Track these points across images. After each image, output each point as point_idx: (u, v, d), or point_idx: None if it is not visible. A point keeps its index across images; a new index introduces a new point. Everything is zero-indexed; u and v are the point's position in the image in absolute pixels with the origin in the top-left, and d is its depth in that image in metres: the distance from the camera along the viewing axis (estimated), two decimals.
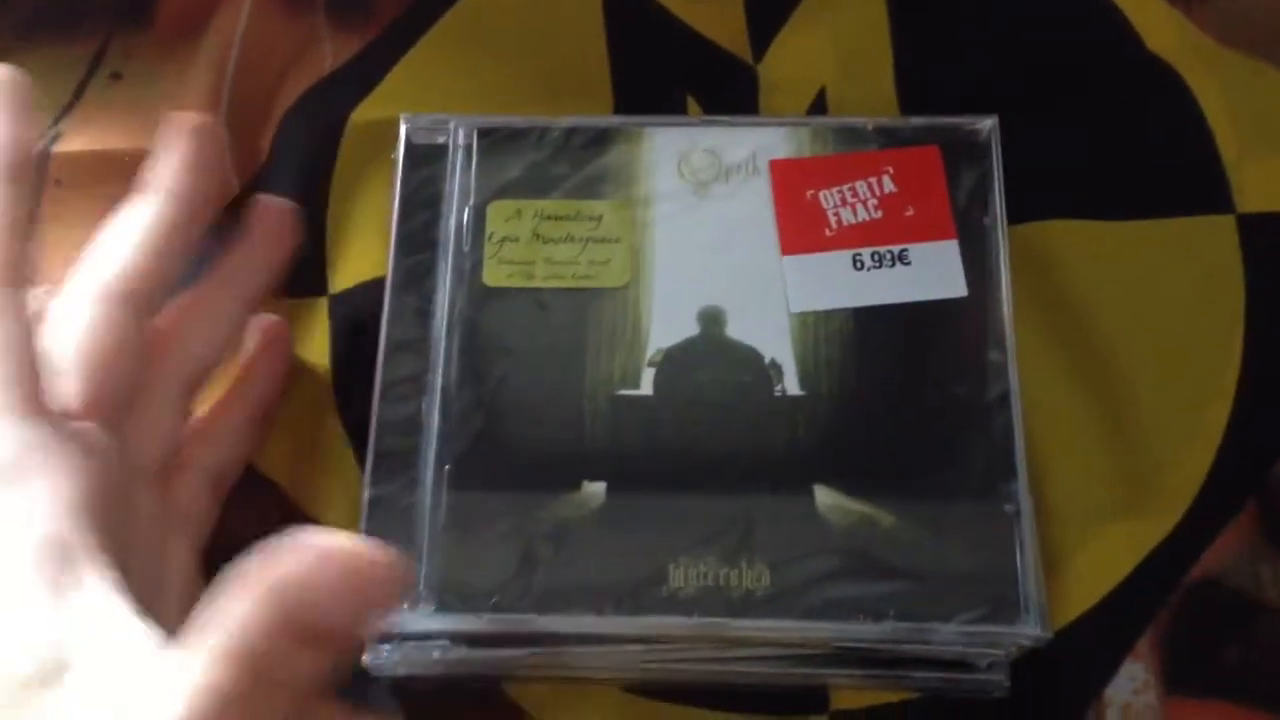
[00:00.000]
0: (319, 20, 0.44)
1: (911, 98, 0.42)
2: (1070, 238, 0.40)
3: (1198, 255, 0.40)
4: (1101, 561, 0.37)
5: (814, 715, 0.36)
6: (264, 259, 0.38)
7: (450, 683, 0.35)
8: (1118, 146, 0.41)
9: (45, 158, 0.42)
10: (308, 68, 0.44)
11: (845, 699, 0.36)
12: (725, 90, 0.43)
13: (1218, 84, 0.42)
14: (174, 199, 0.35)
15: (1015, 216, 0.38)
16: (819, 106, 0.42)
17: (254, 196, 0.39)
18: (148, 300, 0.34)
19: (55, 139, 0.42)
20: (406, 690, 0.35)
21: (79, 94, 0.43)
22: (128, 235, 0.35)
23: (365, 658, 0.34)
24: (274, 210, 0.39)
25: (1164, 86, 0.42)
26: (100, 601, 0.27)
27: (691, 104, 0.42)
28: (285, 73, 0.43)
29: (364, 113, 0.42)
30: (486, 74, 0.43)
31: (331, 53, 0.44)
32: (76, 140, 0.42)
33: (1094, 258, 0.40)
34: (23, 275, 0.31)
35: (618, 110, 0.42)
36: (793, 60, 0.43)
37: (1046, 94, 0.42)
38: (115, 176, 0.41)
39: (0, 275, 0.31)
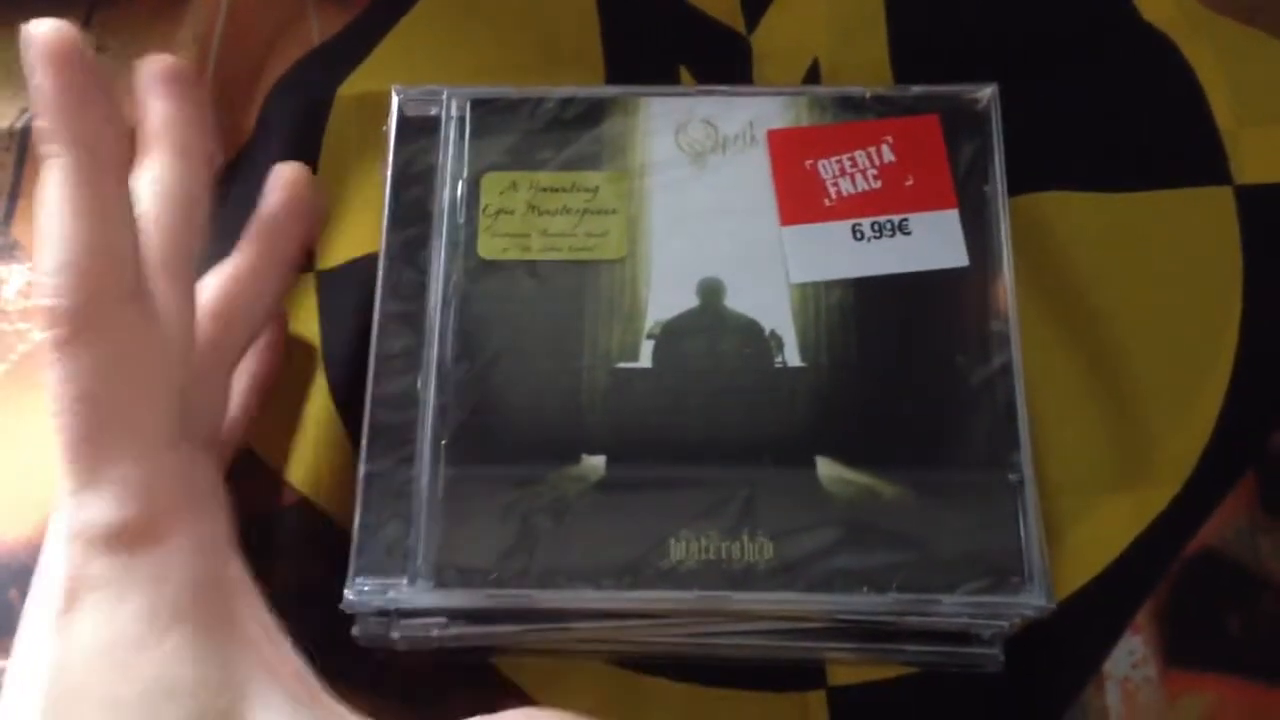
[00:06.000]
0: None
1: (905, 67, 0.42)
2: (1067, 209, 0.40)
3: (1195, 227, 0.40)
4: (1100, 534, 0.36)
5: (811, 691, 0.35)
6: (297, 228, 0.37)
7: (440, 656, 0.35)
8: (1113, 117, 0.41)
9: (27, 134, 0.41)
10: (295, 41, 0.43)
11: (842, 675, 0.35)
12: (718, 61, 0.42)
13: (1213, 53, 0.41)
14: (190, 158, 0.34)
15: (1012, 188, 0.38)
16: (812, 77, 0.42)
17: (277, 165, 0.38)
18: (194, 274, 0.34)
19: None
20: (394, 665, 0.35)
21: None
22: (164, 206, 0.33)
23: (354, 630, 0.33)
24: (297, 177, 0.38)
25: (1159, 56, 0.42)
26: None
27: (684, 75, 0.42)
28: (271, 46, 0.43)
29: (352, 86, 0.42)
30: (477, 45, 0.42)
31: (319, 25, 0.43)
32: None
33: (1091, 229, 0.39)
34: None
35: (610, 82, 0.42)
36: (786, 30, 0.42)
37: (1040, 64, 0.41)
38: None
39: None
